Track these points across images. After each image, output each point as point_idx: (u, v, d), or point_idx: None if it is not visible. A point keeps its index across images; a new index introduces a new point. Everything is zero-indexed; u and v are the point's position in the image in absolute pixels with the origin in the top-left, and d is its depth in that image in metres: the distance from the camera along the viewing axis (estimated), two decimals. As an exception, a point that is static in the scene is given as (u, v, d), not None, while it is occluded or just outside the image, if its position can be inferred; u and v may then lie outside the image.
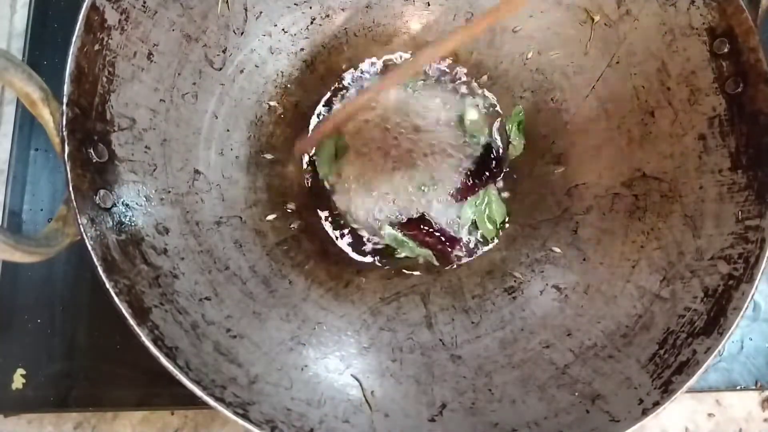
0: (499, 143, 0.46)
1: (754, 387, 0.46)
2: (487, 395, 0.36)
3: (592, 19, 0.41)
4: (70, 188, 0.28)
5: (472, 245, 0.45)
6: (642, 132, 0.41)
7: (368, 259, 0.45)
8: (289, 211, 0.44)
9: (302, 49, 0.44)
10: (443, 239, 0.44)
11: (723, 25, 0.36)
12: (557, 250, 0.42)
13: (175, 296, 0.32)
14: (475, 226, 0.45)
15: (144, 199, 0.34)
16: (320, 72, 0.46)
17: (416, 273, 0.44)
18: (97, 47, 0.31)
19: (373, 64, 0.47)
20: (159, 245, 0.33)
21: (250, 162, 0.42)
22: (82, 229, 0.28)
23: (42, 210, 0.45)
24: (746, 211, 0.34)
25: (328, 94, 0.46)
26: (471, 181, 0.44)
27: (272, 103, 0.44)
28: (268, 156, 0.43)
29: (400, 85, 0.45)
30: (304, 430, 0.31)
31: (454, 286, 0.43)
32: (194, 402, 0.28)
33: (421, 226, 0.43)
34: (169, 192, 0.36)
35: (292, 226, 0.43)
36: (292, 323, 0.38)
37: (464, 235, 0.45)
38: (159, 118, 0.36)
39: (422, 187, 0.44)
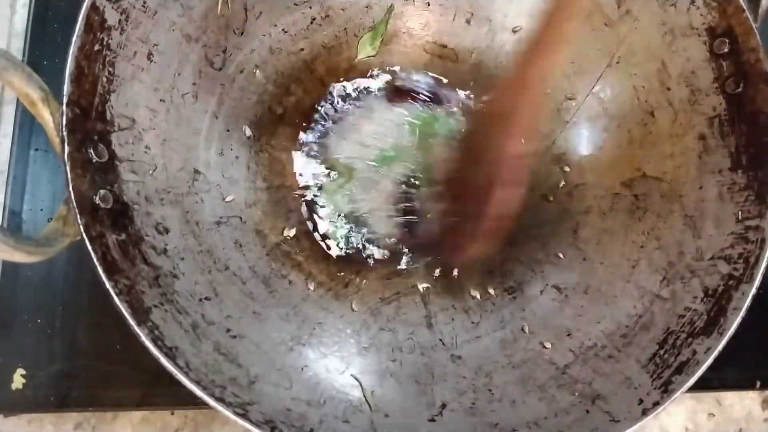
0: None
1: (754, 387, 0.46)
2: (487, 395, 0.36)
3: (592, 20, 0.41)
4: (70, 188, 0.28)
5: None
6: (642, 132, 0.41)
7: (368, 259, 0.45)
8: (288, 210, 0.44)
9: (302, 49, 0.44)
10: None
11: (723, 25, 0.36)
12: (557, 250, 0.42)
13: (175, 296, 0.32)
14: None
15: (144, 199, 0.34)
16: (320, 72, 0.45)
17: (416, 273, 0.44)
18: (97, 47, 0.31)
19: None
20: (159, 245, 0.33)
21: (250, 162, 0.42)
22: (82, 229, 0.28)
23: (42, 210, 0.45)
24: (746, 211, 0.34)
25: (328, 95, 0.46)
26: None
27: (272, 103, 0.44)
28: (269, 156, 0.43)
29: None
30: (304, 430, 0.31)
31: (454, 286, 0.43)
32: (194, 402, 0.28)
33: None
34: (169, 192, 0.36)
35: (292, 226, 0.43)
36: (292, 323, 0.38)
37: None
38: (159, 118, 0.36)
39: None
